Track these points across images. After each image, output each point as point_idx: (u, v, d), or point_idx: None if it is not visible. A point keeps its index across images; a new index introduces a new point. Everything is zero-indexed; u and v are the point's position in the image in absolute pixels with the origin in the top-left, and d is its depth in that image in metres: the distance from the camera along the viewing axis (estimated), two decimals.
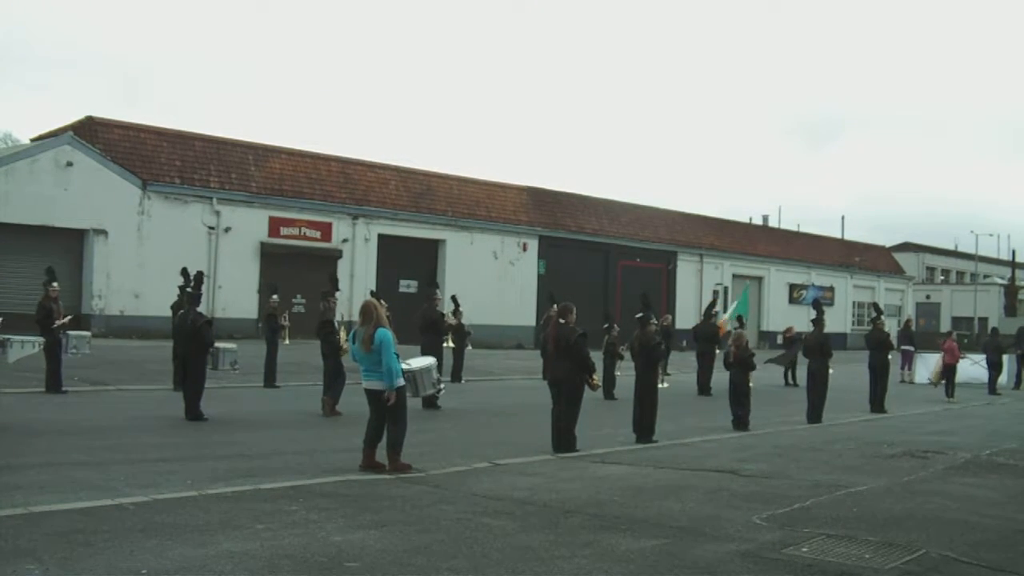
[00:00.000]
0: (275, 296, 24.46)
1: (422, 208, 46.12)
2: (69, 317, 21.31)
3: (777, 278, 67.00)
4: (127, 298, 35.74)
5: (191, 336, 17.32)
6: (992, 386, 30.35)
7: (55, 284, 20.23)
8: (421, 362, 13.22)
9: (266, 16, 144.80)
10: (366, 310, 12.12)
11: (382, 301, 12.86)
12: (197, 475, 11.31)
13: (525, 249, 50.00)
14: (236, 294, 38.26)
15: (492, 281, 47.34)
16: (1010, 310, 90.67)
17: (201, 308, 18.63)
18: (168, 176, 37.86)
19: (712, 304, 30.19)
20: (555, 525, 9.13)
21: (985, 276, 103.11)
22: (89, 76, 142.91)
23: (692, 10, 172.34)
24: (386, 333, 11.89)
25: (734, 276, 62.35)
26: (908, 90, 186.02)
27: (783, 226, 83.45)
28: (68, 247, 35.00)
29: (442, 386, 15.59)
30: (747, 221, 77.54)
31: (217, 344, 19.27)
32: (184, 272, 20.09)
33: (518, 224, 50.06)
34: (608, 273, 53.68)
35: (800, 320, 47.62)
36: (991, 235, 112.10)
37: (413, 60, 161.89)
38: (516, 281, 49.07)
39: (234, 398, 20.47)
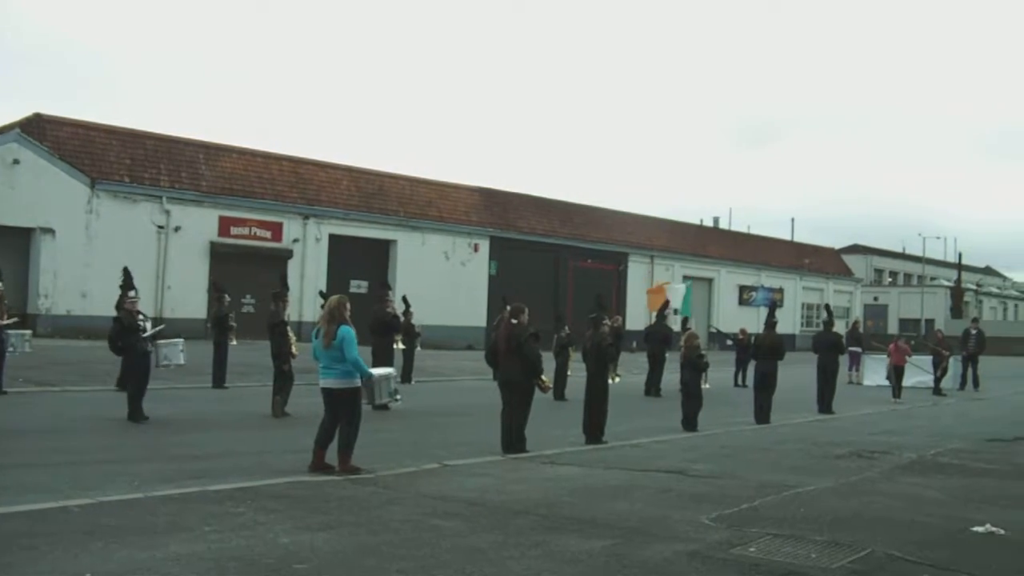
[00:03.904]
0: (225, 296, 24.29)
1: (373, 208, 46.00)
2: (15, 320, 21.04)
3: (727, 280, 67.36)
4: (74, 298, 35.35)
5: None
6: (937, 387, 30.66)
7: None
8: (381, 371, 13.23)
9: (217, 15, 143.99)
10: (331, 309, 12.17)
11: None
12: (144, 477, 11.21)
13: (476, 250, 49.97)
14: (185, 294, 37.92)
15: (443, 282, 47.24)
16: (956, 312, 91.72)
17: (141, 307, 18.35)
18: (117, 175, 37.55)
19: (665, 305, 30.19)
20: (504, 526, 9.13)
21: (932, 278, 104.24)
22: (38, 73, 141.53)
23: (641, 13, 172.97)
24: (348, 329, 11.97)
25: (684, 277, 62.54)
26: (858, 93, 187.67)
27: (733, 228, 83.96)
28: (14, 246, 34.53)
29: (399, 396, 15.48)
30: (698, 223, 77.96)
31: (160, 341, 18.91)
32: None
33: (470, 225, 50.03)
34: (559, 274, 53.76)
35: (751, 322, 47.97)
36: (938, 238, 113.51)
37: (364, 59, 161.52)
38: (467, 282, 49.02)
39: (182, 399, 20.31)
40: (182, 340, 19.29)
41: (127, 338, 16.95)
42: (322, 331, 12.05)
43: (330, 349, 11.90)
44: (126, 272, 18.59)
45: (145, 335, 17.30)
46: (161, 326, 20.13)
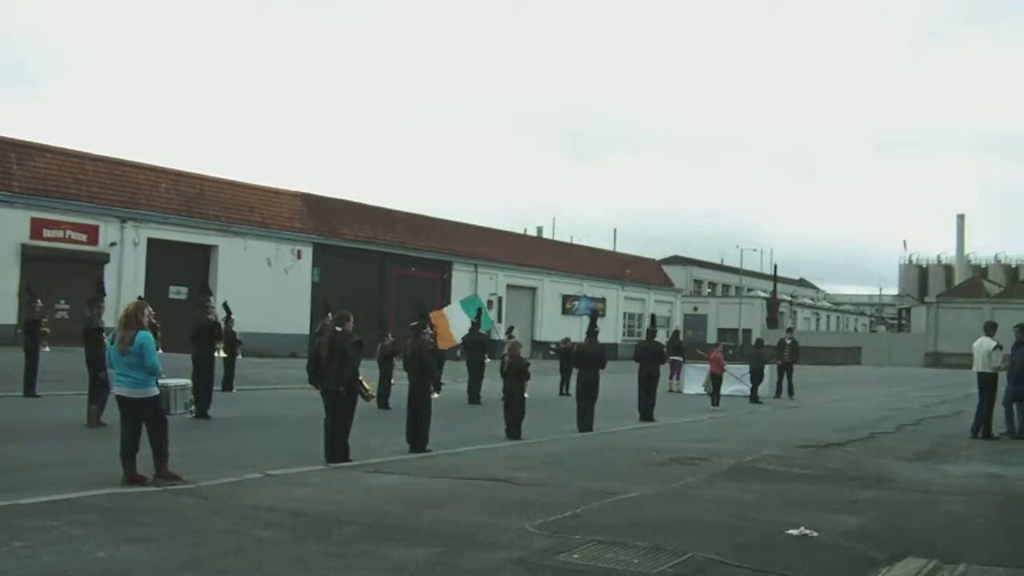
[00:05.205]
0: (38, 301, 23.46)
1: (194, 212, 45.11)
2: None
3: (551, 289, 68.03)
4: None
5: None
6: (754, 395, 31.37)
7: None
8: (176, 380, 12.98)
9: (32, 10, 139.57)
10: (128, 314, 11.89)
11: (149, 309, 12.52)
12: None
13: (299, 256, 49.49)
14: None
15: (266, 288, 46.54)
16: (772, 322, 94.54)
17: None
18: None
19: (479, 313, 30.18)
20: (328, 535, 9.03)
21: (749, 290, 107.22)
22: None
23: (468, 23, 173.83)
24: (146, 335, 11.76)
25: (508, 286, 63.01)
26: (678, 110, 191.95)
27: (557, 238, 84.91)
28: None
29: (193, 408, 15.28)
30: (521, 232, 78.60)
31: None
32: None
33: (292, 231, 49.52)
34: (383, 281, 53.53)
35: (573, 331, 48.51)
36: (755, 250, 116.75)
37: (181, 59, 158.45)
38: (290, 289, 48.39)
39: None
40: None
41: None
42: (118, 336, 11.78)
43: (126, 355, 11.63)
44: None
45: None
46: None
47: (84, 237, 40.51)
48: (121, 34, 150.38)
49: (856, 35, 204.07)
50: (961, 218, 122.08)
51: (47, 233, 39.17)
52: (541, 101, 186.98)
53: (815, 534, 9.88)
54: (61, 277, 36.99)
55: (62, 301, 37.33)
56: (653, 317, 26.72)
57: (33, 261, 38.01)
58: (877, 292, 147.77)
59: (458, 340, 28.01)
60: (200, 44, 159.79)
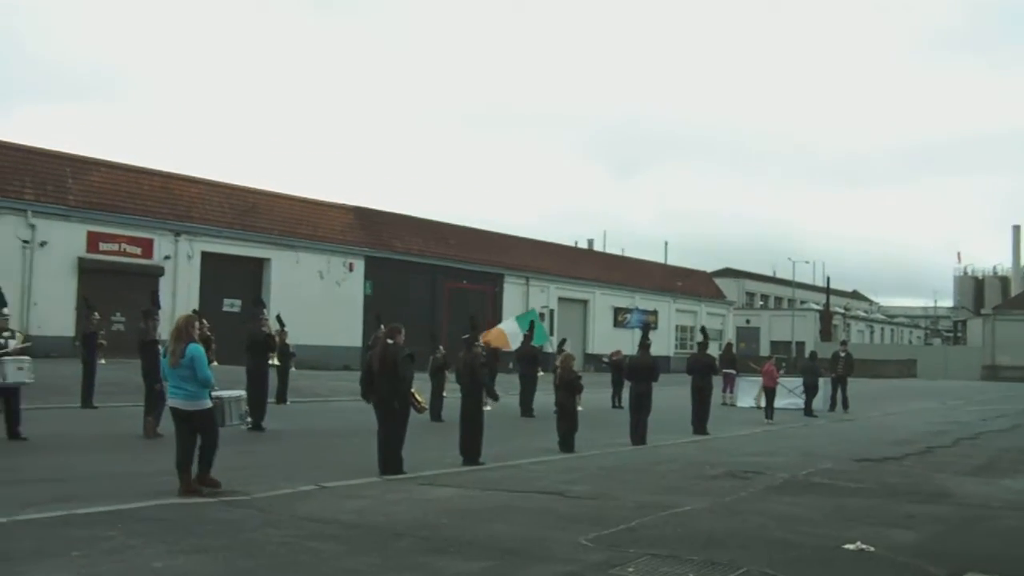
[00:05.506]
0: (95, 314, 23.71)
1: (247, 226, 45.30)
2: None
3: (602, 301, 67.84)
4: None
5: None
6: (808, 408, 31.11)
7: None
8: (231, 392, 13.07)
9: (82, 22, 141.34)
10: (179, 327, 12.05)
11: (204, 320, 12.65)
12: (6, 501, 10.78)
13: (351, 269, 49.60)
14: (52, 311, 36.76)
15: (318, 301, 46.65)
16: (825, 335, 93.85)
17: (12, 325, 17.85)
18: None
19: (532, 326, 30.19)
20: (383, 548, 9.03)
21: (802, 302, 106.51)
22: None
23: (508, 32, 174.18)
24: (197, 347, 11.91)
25: (560, 299, 62.91)
26: (728, 121, 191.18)
27: (608, 250, 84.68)
28: None
29: (249, 419, 15.33)
30: (572, 244, 78.49)
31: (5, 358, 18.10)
32: None
33: (344, 244, 49.63)
34: (435, 294, 53.55)
35: (625, 343, 48.36)
36: (807, 262, 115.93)
37: (234, 72, 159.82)
38: (342, 301, 48.52)
39: (49, 419, 19.75)
40: (28, 359, 18.42)
41: None
42: (169, 349, 11.95)
43: (178, 368, 11.79)
44: None
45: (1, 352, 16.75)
46: (28, 344, 19.38)
47: (139, 250, 40.81)
48: (174, 49, 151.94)
49: (905, 42, 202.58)
50: (1017, 229, 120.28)
51: (103, 246, 39.49)
52: (589, 112, 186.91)
53: (872, 549, 9.77)
54: (117, 290, 37.28)
55: (118, 313, 37.65)
56: (703, 329, 26.57)
57: (89, 274, 38.33)
58: (931, 304, 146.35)
59: (513, 347, 28.11)
60: (251, 59, 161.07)
